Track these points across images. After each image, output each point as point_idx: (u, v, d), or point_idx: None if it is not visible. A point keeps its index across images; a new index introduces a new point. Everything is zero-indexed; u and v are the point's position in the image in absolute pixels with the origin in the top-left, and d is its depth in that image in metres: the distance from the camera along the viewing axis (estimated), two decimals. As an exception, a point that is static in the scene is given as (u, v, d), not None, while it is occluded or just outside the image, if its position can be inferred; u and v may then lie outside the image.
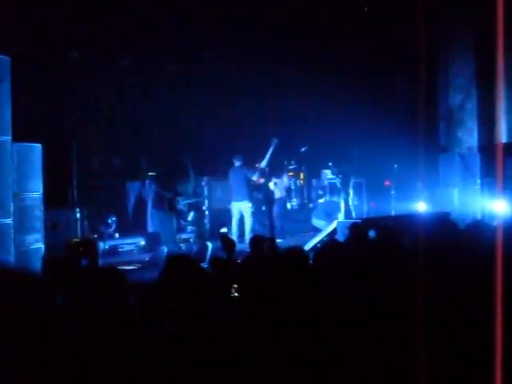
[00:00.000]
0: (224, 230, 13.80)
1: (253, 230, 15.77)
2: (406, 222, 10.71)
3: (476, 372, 3.88)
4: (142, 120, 17.62)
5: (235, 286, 6.02)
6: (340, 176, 17.63)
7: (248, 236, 15.14)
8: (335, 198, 17.98)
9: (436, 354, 4.03)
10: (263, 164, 16.43)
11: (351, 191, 17.80)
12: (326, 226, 16.47)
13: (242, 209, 15.95)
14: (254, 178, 16.25)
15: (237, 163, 16.16)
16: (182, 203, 13.74)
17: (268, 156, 16.40)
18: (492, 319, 2.85)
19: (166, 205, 13.23)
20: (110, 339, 4.24)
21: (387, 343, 4.32)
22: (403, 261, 6.03)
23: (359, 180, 18.27)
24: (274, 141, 16.42)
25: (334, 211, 17.07)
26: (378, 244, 7.10)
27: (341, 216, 16.65)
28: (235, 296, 5.98)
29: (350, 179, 17.73)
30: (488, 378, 2.88)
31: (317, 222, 17.09)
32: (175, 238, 13.56)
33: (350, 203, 17.75)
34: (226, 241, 9.05)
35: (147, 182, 16.29)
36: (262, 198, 16.95)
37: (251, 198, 16.17)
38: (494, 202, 15.02)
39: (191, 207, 16.03)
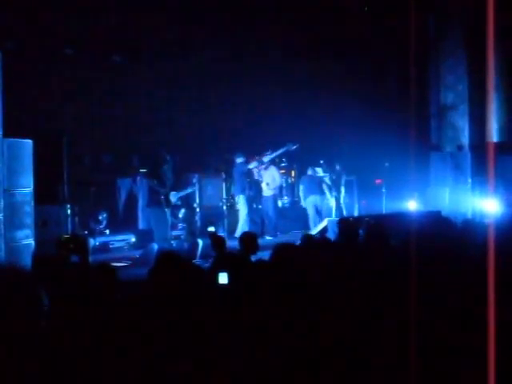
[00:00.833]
0: (212, 228, 13.76)
1: (243, 226, 15.87)
2: (396, 220, 10.72)
3: (469, 372, 3.88)
4: (134, 117, 17.59)
5: (223, 273, 5.97)
6: (331, 174, 17.62)
7: (238, 232, 15.26)
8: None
9: (428, 353, 4.03)
10: (266, 159, 16.57)
11: (343, 189, 17.79)
12: (321, 202, 16.55)
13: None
14: (252, 166, 16.37)
15: (238, 160, 16.27)
16: (175, 197, 13.65)
17: (275, 154, 16.59)
18: (484, 318, 2.85)
19: (163, 201, 13.17)
20: (99, 336, 4.23)
21: (379, 342, 4.32)
22: (391, 259, 6.04)
23: (350, 178, 18.29)
24: (290, 146, 16.57)
25: (321, 186, 17.06)
26: (366, 242, 7.10)
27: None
28: (222, 284, 5.94)
29: (341, 177, 17.73)
30: (481, 378, 2.87)
31: (312, 198, 16.96)
32: (169, 236, 13.53)
33: (341, 201, 17.75)
34: (215, 238, 9.05)
35: (138, 178, 16.27)
36: (254, 196, 16.96)
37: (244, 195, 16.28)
38: (484, 200, 15.05)
39: (182, 204, 16.01)
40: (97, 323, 4.36)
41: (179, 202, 14.48)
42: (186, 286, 4.90)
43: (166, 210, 13.20)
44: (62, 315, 4.51)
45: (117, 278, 5.32)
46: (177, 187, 13.90)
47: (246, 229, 15.47)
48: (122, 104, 17.42)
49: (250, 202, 16.64)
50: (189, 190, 15.02)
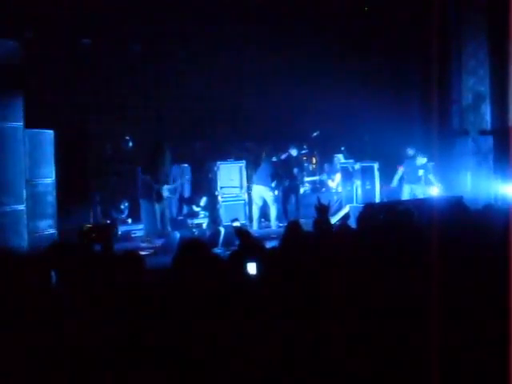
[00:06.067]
0: (236, 223, 13.62)
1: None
2: (419, 205, 10.68)
3: (490, 359, 3.86)
4: (155, 106, 17.61)
5: (252, 263, 5.92)
6: (354, 161, 17.56)
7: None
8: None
9: (449, 341, 4.01)
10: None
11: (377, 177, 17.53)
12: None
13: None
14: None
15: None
16: (167, 191, 13.71)
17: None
18: (506, 303, 2.84)
19: (154, 195, 13.24)
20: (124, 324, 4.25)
21: (398, 331, 4.31)
22: (413, 245, 6.01)
23: (372, 164, 18.18)
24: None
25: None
26: (388, 228, 7.07)
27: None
28: (251, 274, 5.90)
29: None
30: (502, 365, 2.86)
31: None
32: (158, 230, 13.59)
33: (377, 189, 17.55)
34: (240, 233, 8.60)
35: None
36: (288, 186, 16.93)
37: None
38: (506, 185, 14.98)
39: (204, 192, 16.06)
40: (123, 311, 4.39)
41: (172, 196, 14.55)
42: (209, 274, 4.90)
43: (157, 204, 13.27)
44: (86, 305, 4.54)
45: (144, 265, 5.37)
46: (168, 180, 13.97)
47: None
48: (144, 94, 17.44)
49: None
50: (178, 183, 15.12)
